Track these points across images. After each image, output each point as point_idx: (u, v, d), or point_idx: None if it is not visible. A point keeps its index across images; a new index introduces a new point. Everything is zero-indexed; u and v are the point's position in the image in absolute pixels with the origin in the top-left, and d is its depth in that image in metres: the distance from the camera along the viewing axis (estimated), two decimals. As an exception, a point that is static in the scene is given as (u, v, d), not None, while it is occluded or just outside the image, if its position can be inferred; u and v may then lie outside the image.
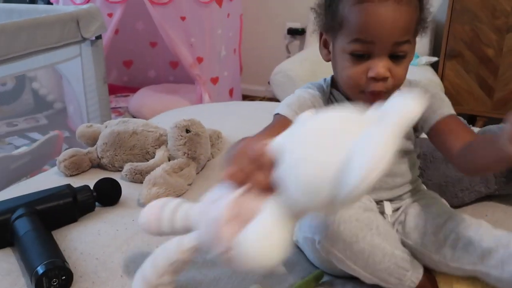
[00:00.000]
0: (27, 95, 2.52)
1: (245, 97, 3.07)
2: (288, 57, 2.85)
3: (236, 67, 2.85)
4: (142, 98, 2.68)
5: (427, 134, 0.86)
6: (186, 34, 2.41)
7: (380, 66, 0.76)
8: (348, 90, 0.83)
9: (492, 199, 1.08)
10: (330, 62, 0.87)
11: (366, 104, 0.78)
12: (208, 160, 1.25)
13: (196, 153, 1.16)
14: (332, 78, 0.90)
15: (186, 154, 1.15)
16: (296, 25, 3.00)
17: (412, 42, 0.80)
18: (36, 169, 1.70)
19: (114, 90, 2.98)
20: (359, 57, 0.78)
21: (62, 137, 1.98)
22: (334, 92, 0.88)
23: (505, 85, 2.31)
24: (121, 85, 3.05)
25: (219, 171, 1.22)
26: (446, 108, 0.85)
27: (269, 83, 2.51)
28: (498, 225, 0.79)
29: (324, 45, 0.87)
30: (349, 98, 0.85)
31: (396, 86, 0.80)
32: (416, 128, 0.88)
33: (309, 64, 2.44)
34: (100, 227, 0.97)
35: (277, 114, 0.85)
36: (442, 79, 2.39)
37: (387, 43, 0.76)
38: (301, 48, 3.00)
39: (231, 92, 2.76)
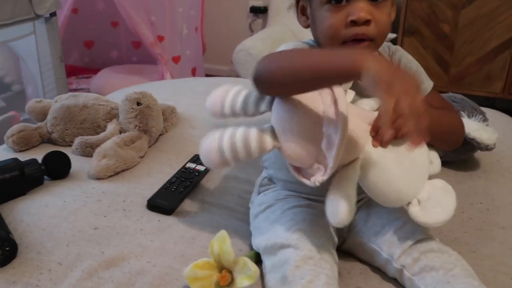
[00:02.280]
0: (-17, 77, 2.45)
1: (209, 77, 3.06)
2: (251, 35, 2.85)
3: (199, 46, 2.83)
4: (103, 79, 2.64)
5: None
6: (146, 12, 2.38)
7: (359, 9, 0.73)
8: (330, 42, 0.78)
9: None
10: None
11: None
12: (161, 134, 1.25)
13: (147, 125, 1.16)
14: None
15: (137, 127, 1.15)
16: (259, 3, 3.00)
17: None
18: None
19: (76, 71, 2.93)
20: (338, 2, 0.75)
21: (18, 118, 1.95)
22: None
23: (461, 60, 2.37)
24: (82, 66, 3.00)
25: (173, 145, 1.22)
26: (427, 82, 0.89)
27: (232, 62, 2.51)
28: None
29: (302, 12, 0.85)
30: None
31: (380, 34, 0.77)
32: None
33: (271, 42, 2.44)
34: (48, 199, 0.96)
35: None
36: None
37: None
38: (263, 26, 3.00)
39: (193, 71, 2.75)
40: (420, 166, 0.78)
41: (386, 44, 0.88)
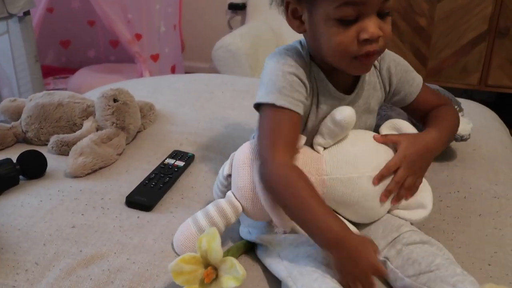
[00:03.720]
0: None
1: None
2: (230, 32, 2.83)
3: (177, 44, 2.82)
4: (81, 79, 2.61)
5: (405, 107, 0.93)
6: (122, 10, 2.35)
7: (372, 26, 0.72)
8: (338, 59, 0.77)
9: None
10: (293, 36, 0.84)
11: (356, 70, 0.80)
12: (139, 131, 1.24)
13: (125, 122, 1.14)
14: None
15: (114, 124, 1.13)
16: (237, 0, 2.99)
17: None
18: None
19: (52, 71, 2.89)
20: (348, 22, 0.73)
21: (-7, 119, 1.91)
22: (312, 65, 0.83)
23: (438, 53, 2.40)
24: (59, 66, 2.95)
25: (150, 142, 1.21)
26: (417, 78, 0.90)
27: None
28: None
29: (293, 15, 0.80)
30: (328, 74, 0.82)
31: (386, 45, 0.77)
32: (386, 101, 0.93)
33: (250, 38, 2.44)
34: (23, 199, 0.94)
35: (273, 105, 0.77)
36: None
37: (377, 1, 0.72)
38: (242, 23, 2.99)
39: (173, 69, 2.73)
40: (381, 191, 0.81)
41: None
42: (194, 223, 0.81)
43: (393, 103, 0.94)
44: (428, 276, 0.70)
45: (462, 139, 1.02)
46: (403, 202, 0.82)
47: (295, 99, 0.78)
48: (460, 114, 1.05)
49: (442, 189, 1.02)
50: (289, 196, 0.72)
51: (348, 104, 0.84)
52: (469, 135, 1.02)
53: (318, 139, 0.83)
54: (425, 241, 0.76)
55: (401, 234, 0.78)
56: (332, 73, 0.83)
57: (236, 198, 0.81)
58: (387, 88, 0.90)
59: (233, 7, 3.01)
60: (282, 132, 0.77)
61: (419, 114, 0.93)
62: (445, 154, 1.14)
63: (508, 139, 1.29)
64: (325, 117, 0.82)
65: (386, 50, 0.87)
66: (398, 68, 0.89)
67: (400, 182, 0.80)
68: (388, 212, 0.84)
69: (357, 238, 0.69)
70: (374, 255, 0.68)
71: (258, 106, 0.81)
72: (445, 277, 0.69)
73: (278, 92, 0.77)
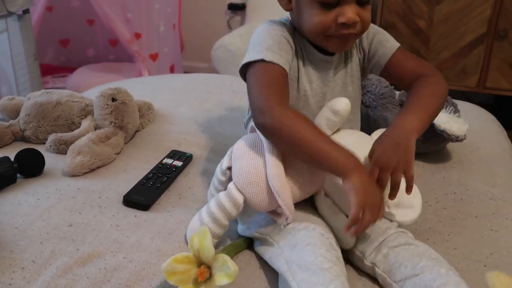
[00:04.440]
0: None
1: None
2: (230, 32, 2.84)
3: (176, 43, 2.82)
4: (80, 78, 2.61)
5: (383, 73, 0.92)
6: (122, 9, 2.35)
7: (349, 11, 0.79)
8: (314, 36, 0.85)
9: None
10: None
11: (332, 47, 0.85)
12: (137, 130, 1.24)
13: (123, 122, 1.14)
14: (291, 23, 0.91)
15: (113, 123, 1.13)
16: (237, 0, 2.99)
17: None
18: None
19: (51, 70, 2.89)
20: (329, 5, 0.80)
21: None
22: (296, 35, 0.89)
23: (437, 55, 2.40)
24: (58, 65, 2.95)
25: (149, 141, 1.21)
26: (392, 41, 0.92)
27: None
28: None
29: None
30: (311, 42, 0.88)
31: (363, 30, 0.84)
32: (365, 70, 0.94)
33: (250, 38, 2.44)
34: (21, 197, 0.95)
35: (262, 60, 0.81)
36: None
37: None
38: (242, 23, 2.99)
39: (172, 68, 2.73)
40: None
41: None
42: (200, 219, 0.82)
43: (372, 71, 0.94)
44: (413, 281, 0.71)
45: (458, 139, 1.02)
46: (395, 200, 0.81)
47: (282, 56, 0.83)
48: (456, 115, 1.05)
49: (439, 190, 1.02)
50: (293, 136, 0.75)
51: (332, 66, 0.89)
52: (465, 135, 1.03)
53: None
54: (410, 242, 0.77)
55: (387, 237, 0.79)
56: (314, 44, 0.89)
57: (238, 189, 0.80)
58: (361, 53, 0.93)
59: (233, 8, 3.02)
60: (274, 84, 0.81)
61: (397, 78, 0.92)
62: (442, 156, 1.15)
63: (506, 141, 1.29)
64: (312, 78, 0.88)
65: (371, 26, 0.92)
66: (370, 32, 0.91)
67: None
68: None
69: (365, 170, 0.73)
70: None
71: (245, 70, 0.85)
72: (429, 281, 0.69)
73: (266, 49, 0.82)
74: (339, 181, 0.74)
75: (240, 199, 0.80)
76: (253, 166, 0.79)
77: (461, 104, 1.25)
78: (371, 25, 0.91)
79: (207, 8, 3.08)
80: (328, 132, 0.84)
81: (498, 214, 0.95)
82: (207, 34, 3.03)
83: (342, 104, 0.82)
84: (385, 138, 0.78)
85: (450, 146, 1.16)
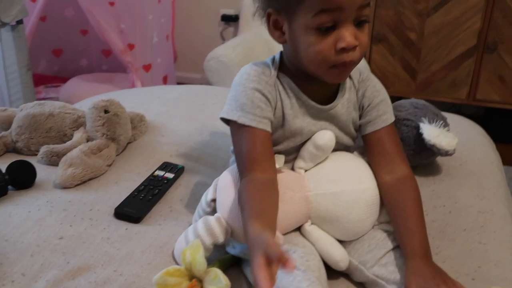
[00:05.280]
0: None
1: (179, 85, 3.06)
2: (223, 43, 2.85)
3: (170, 54, 2.83)
4: (73, 88, 2.61)
5: (364, 136, 0.88)
6: (115, 20, 2.36)
7: (348, 35, 0.74)
8: (316, 68, 0.79)
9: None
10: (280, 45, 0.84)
11: (333, 78, 0.80)
12: (129, 142, 1.24)
13: (115, 134, 1.15)
14: (281, 60, 0.86)
15: (105, 135, 1.14)
16: (230, 11, 3.01)
17: (370, 4, 0.78)
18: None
19: (44, 80, 2.88)
20: (325, 30, 0.75)
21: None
22: (281, 77, 0.84)
23: (427, 67, 2.43)
24: (51, 75, 2.95)
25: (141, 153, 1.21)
26: (389, 114, 0.88)
27: (204, 70, 2.51)
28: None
29: (275, 26, 0.81)
30: (299, 84, 0.83)
31: (362, 55, 0.79)
32: (356, 127, 0.90)
33: (243, 49, 2.45)
34: (11, 209, 0.94)
35: (234, 122, 0.80)
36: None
37: (353, 8, 0.74)
38: (235, 34, 3.01)
39: (165, 79, 2.74)
40: (364, 204, 0.82)
41: (360, 69, 0.89)
42: (185, 239, 0.82)
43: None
44: None
45: (447, 154, 1.03)
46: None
47: (256, 115, 0.80)
48: (446, 129, 1.06)
49: (428, 203, 1.03)
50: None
51: (325, 117, 0.85)
52: (454, 150, 1.04)
53: (299, 163, 0.86)
54: None
55: (389, 251, 0.80)
56: (307, 85, 0.84)
57: (225, 221, 0.80)
58: (360, 111, 0.89)
59: (226, 19, 3.04)
60: (248, 150, 0.79)
61: (370, 150, 0.88)
62: (432, 169, 1.16)
63: (494, 154, 1.31)
64: (301, 128, 0.84)
65: (372, 75, 0.90)
66: (373, 94, 0.88)
67: None
68: (374, 226, 0.85)
69: (258, 245, 0.62)
70: (260, 269, 0.58)
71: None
72: None
73: (240, 109, 0.80)
74: (327, 208, 0.77)
75: (229, 228, 0.80)
76: (236, 202, 0.79)
77: (451, 117, 1.27)
78: (381, 87, 0.89)
79: (201, 19, 3.10)
80: (310, 164, 0.85)
81: (486, 227, 0.96)
82: (200, 45, 3.05)
83: (326, 138, 0.82)
84: (413, 276, 0.73)
85: (440, 159, 1.17)
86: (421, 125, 1.05)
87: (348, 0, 0.73)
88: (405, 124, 1.08)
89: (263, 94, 0.81)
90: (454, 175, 1.14)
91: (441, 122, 1.06)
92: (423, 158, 1.11)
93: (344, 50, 0.75)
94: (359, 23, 0.76)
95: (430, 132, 1.03)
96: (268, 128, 0.81)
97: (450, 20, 2.33)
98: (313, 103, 0.84)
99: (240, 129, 0.81)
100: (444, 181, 1.12)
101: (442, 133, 1.03)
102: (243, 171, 0.79)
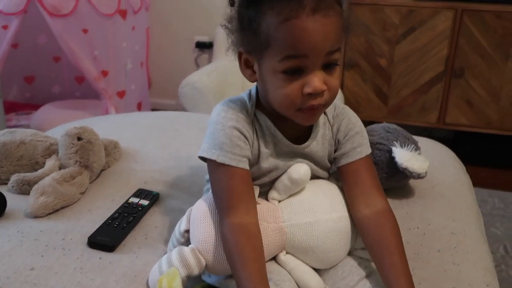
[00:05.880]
0: None
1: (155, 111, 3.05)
2: (197, 70, 2.87)
3: (144, 81, 2.83)
4: (45, 115, 2.57)
5: (339, 167, 0.87)
6: (89, 47, 2.36)
7: (315, 81, 0.73)
8: (284, 110, 0.78)
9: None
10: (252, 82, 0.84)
11: (302, 120, 0.80)
12: (103, 169, 1.23)
13: (88, 161, 1.13)
14: (257, 96, 0.85)
15: (78, 163, 1.12)
16: (204, 38, 3.04)
17: (341, 48, 0.77)
18: None
19: (15, 107, 2.84)
20: (292, 73, 0.74)
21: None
22: (258, 115, 0.84)
23: (398, 92, 2.49)
24: (22, 102, 2.91)
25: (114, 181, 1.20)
26: (365, 146, 0.87)
27: (179, 96, 2.51)
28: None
29: (246, 64, 0.81)
30: (275, 122, 0.83)
31: (332, 98, 0.78)
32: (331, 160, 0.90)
33: (217, 76, 2.47)
34: (-20, 240, 0.92)
35: (213, 160, 0.80)
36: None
37: (320, 55, 0.73)
38: (209, 61, 3.04)
39: (139, 105, 2.73)
40: (338, 233, 0.83)
41: (335, 103, 0.88)
42: (159, 269, 0.80)
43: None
44: None
45: (419, 176, 1.06)
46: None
47: (236, 154, 0.80)
48: (417, 152, 1.09)
49: (402, 225, 1.03)
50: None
51: (301, 155, 0.86)
52: (426, 172, 1.06)
53: (273, 194, 0.86)
54: None
55: (363, 279, 0.80)
56: (282, 123, 0.84)
57: (199, 252, 0.80)
58: (336, 145, 0.89)
59: (200, 46, 3.06)
60: (229, 190, 0.79)
61: (345, 181, 0.87)
62: (405, 191, 1.18)
63: (465, 176, 1.34)
64: (276, 167, 0.84)
65: (347, 109, 0.90)
66: (349, 127, 0.87)
67: None
68: (349, 254, 0.85)
69: None
70: None
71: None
72: None
73: (219, 148, 0.80)
74: (301, 238, 0.78)
75: (203, 261, 0.79)
76: (209, 235, 0.80)
77: (422, 141, 1.30)
78: (357, 120, 0.88)
79: (175, 46, 3.12)
80: (284, 196, 0.85)
81: (459, 248, 0.98)
82: (174, 72, 3.06)
83: (301, 173, 0.83)
84: None
85: (412, 182, 1.19)
86: (393, 149, 1.07)
87: (314, 47, 0.72)
88: (377, 148, 1.10)
89: (242, 133, 0.81)
90: (426, 197, 1.17)
91: (413, 145, 1.09)
92: (396, 181, 1.13)
93: (311, 95, 0.74)
94: (328, 66, 0.75)
95: (402, 155, 1.05)
96: (247, 166, 0.81)
97: (418, 47, 2.41)
98: (288, 142, 0.84)
99: (219, 168, 0.80)
100: (417, 203, 1.14)
101: (414, 156, 1.06)
102: (225, 210, 0.78)
